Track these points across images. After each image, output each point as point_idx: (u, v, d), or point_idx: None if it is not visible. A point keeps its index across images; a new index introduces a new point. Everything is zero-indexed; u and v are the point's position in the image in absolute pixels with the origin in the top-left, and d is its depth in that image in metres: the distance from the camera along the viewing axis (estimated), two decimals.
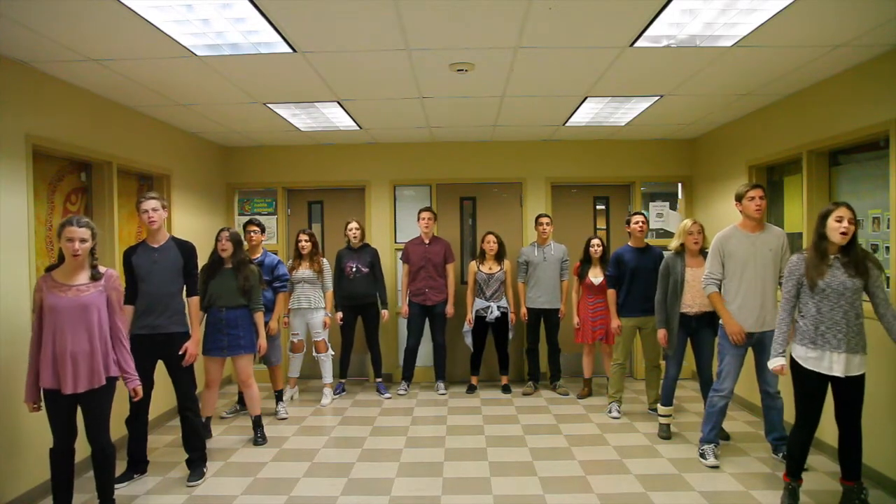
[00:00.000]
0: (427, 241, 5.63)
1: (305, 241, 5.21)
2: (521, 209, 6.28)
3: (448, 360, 5.93)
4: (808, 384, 3.06)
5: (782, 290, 3.16)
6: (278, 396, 5.06)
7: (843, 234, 2.94)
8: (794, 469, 3.15)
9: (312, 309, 5.21)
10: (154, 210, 3.56)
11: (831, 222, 2.98)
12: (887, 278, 3.53)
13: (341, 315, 5.45)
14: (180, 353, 3.64)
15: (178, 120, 4.98)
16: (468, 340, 5.62)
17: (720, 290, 3.78)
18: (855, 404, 3.04)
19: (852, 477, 3.07)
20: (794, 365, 3.10)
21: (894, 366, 3.21)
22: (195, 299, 3.77)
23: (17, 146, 3.37)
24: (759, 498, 3.33)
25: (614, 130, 5.68)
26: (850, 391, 3.01)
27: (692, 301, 4.16)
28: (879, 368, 3.26)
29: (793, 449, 3.15)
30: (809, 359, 3.03)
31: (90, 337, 2.92)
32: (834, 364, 2.97)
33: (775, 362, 3.11)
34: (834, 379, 3.00)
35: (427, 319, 5.68)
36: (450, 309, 5.64)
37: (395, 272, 6.11)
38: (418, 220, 5.65)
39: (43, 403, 2.96)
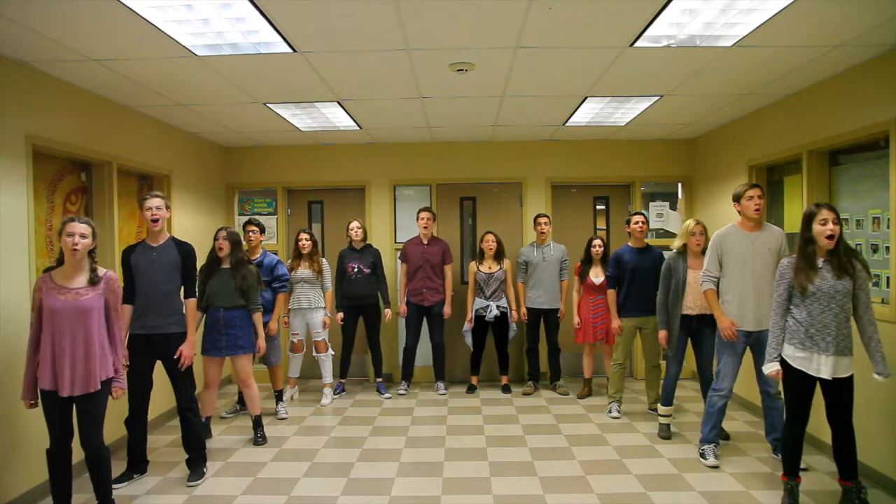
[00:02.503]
0: (426, 242, 5.63)
1: (306, 240, 5.21)
2: (521, 209, 6.28)
3: (448, 359, 5.94)
4: (796, 382, 3.07)
5: (774, 294, 3.15)
6: (278, 396, 5.06)
7: (829, 237, 2.93)
8: (790, 467, 3.16)
9: (312, 309, 5.21)
10: (157, 208, 3.56)
11: (816, 225, 2.97)
12: (887, 278, 3.54)
13: (342, 315, 5.45)
14: (175, 357, 3.63)
15: (178, 120, 4.98)
16: (468, 340, 5.62)
17: (717, 288, 3.78)
18: (845, 406, 3.03)
19: (849, 477, 3.07)
20: (783, 363, 3.10)
21: (893, 366, 3.20)
22: (192, 301, 3.75)
23: (17, 146, 3.37)
24: (759, 498, 3.33)
25: (614, 130, 5.68)
26: (838, 393, 3.01)
27: (693, 302, 4.16)
28: None
29: (785, 446, 3.16)
30: (797, 358, 3.03)
31: (88, 340, 2.91)
32: (822, 367, 2.97)
33: (770, 367, 3.11)
34: (822, 380, 3.00)
35: (425, 320, 5.68)
36: (447, 309, 5.64)
37: (395, 272, 6.10)
38: (417, 219, 5.65)
39: (40, 403, 2.96)
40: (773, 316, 3.14)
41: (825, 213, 2.96)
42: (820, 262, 3.00)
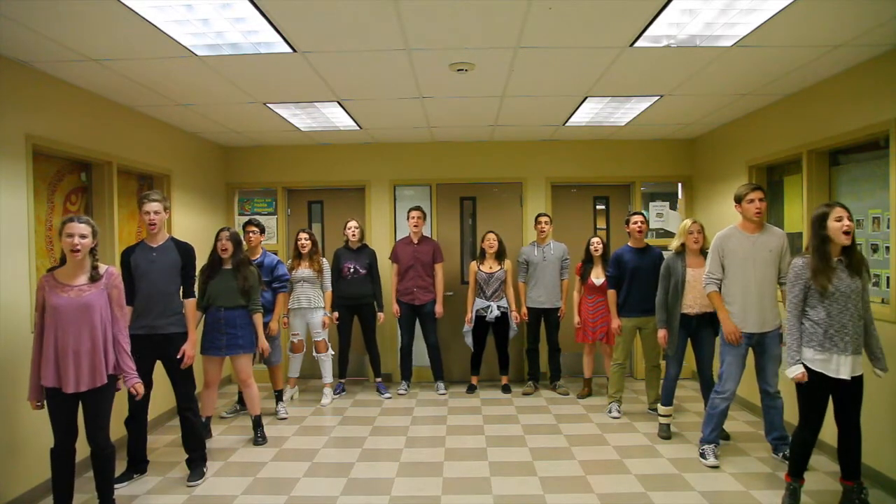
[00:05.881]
0: (416, 241, 5.63)
1: (305, 239, 5.21)
2: (521, 209, 6.28)
3: (447, 359, 5.94)
4: (814, 386, 3.03)
5: (788, 296, 3.12)
6: (278, 396, 5.06)
7: (846, 232, 2.93)
8: (797, 469, 3.15)
9: (312, 308, 5.21)
10: (156, 213, 3.57)
11: (832, 223, 2.96)
12: (887, 278, 3.54)
13: (337, 315, 5.45)
14: (178, 356, 3.63)
15: (178, 120, 4.98)
16: (468, 340, 5.62)
17: (720, 290, 3.78)
18: (855, 403, 3.04)
19: (852, 476, 3.07)
20: None
21: (894, 366, 3.20)
22: (192, 301, 3.76)
23: (17, 146, 3.37)
24: (759, 498, 3.33)
25: (614, 130, 5.68)
26: (851, 391, 3.01)
27: (693, 301, 4.16)
28: None
29: (795, 449, 3.14)
30: (816, 361, 3.00)
31: (92, 336, 2.92)
32: (841, 367, 2.95)
33: (795, 371, 3.04)
34: (837, 380, 2.99)
35: (417, 319, 5.68)
36: (439, 308, 5.64)
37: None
38: (408, 218, 5.65)
39: (45, 402, 2.96)
40: (789, 318, 3.11)
41: (839, 211, 2.96)
42: (835, 261, 2.99)
